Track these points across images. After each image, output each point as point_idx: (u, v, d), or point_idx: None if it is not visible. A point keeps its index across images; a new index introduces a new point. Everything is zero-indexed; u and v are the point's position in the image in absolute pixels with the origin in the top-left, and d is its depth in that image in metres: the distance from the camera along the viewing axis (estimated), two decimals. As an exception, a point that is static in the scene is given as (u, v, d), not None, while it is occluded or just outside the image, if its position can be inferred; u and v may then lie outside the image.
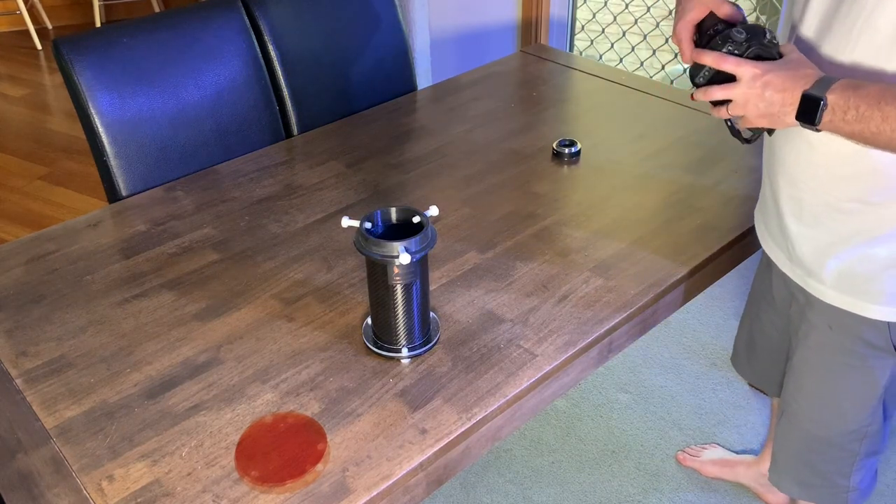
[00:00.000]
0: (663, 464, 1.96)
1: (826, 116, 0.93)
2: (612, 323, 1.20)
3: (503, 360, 1.13)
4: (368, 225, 1.07)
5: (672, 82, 3.17)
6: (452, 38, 2.93)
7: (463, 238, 1.39)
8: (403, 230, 1.09)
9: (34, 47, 4.31)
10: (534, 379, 1.11)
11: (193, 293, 1.27)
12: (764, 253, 1.33)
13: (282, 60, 1.83)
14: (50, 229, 1.45)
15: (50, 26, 4.57)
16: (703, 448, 1.96)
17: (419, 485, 1.02)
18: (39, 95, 3.87)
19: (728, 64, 0.99)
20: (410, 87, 2.05)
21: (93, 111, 1.57)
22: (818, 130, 0.95)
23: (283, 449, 0.99)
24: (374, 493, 0.95)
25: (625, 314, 1.22)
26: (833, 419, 1.23)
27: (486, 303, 1.24)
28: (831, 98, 0.92)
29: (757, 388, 2.11)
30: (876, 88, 0.90)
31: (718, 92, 1.01)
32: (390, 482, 0.97)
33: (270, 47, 1.81)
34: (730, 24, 1.05)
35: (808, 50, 1.03)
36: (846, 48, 0.98)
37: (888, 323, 1.10)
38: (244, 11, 1.78)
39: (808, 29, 1.04)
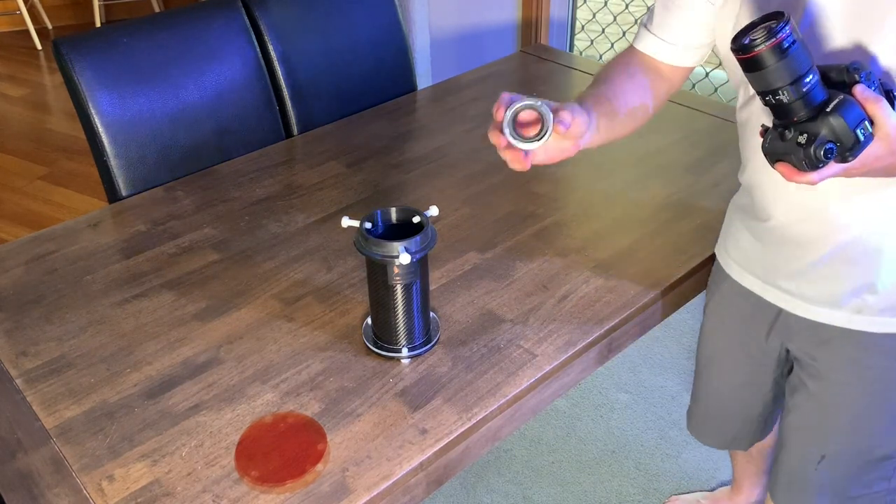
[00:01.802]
0: (663, 464, 1.96)
1: None
2: (612, 323, 1.20)
3: (503, 360, 1.13)
4: (368, 225, 1.07)
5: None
6: (452, 38, 2.93)
7: (463, 238, 1.39)
8: (403, 230, 1.09)
9: (34, 47, 4.31)
10: (534, 379, 1.11)
11: (193, 293, 1.27)
12: (739, 308, 1.23)
13: (282, 60, 1.83)
14: (50, 229, 1.45)
15: (50, 26, 4.57)
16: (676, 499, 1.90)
17: (419, 485, 1.02)
18: (39, 95, 3.87)
19: (882, 109, 0.82)
20: (410, 87, 2.05)
21: (93, 111, 1.57)
22: None
23: (283, 449, 0.99)
24: (374, 493, 0.95)
25: (625, 314, 1.22)
26: (893, 436, 1.17)
27: (486, 303, 1.24)
28: None
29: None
30: None
31: (867, 157, 0.84)
32: (390, 482, 0.97)
33: (270, 47, 1.81)
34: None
35: (827, 35, 0.94)
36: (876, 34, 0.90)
37: None
38: (244, 11, 1.78)
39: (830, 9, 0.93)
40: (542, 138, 0.90)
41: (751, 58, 0.82)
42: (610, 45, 3.23)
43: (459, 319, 1.21)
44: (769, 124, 0.88)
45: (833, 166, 0.85)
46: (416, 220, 1.09)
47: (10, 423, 1.05)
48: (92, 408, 1.07)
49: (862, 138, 0.83)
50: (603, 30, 3.20)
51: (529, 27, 2.83)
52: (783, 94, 0.83)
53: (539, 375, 1.11)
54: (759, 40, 0.81)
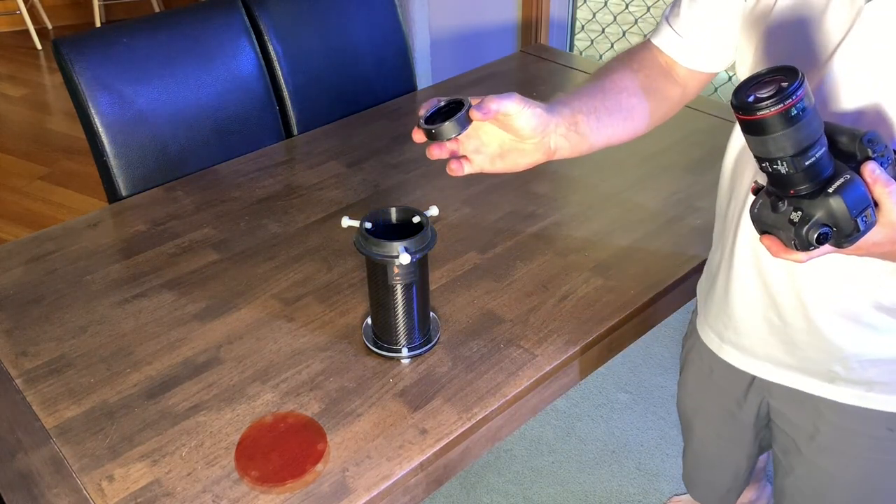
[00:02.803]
0: (663, 464, 1.96)
1: None
2: (612, 323, 1.20)
3: (503, 360, 1.13)
4: (368, 225, 1.07)
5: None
6: (452, 38, 2.93)
7: (463, 238, 1.39)
8: (403, 230, 1.09)
9: (34, 47, 4.31)
10: (534, 379, 1.11)
11: (193, 293, 1.27)
12: (717, 364, 1.15)
13: (282, 60, 1.83)
14: (50, 229, 1.45)
15: (50, 26, 4.57)
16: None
17: (419, 485, 1.02)
18: (39, 95, 3.87)
19: (891, 196, 0.72)
20: (410, 87, 2.05)
21: (93, 111, 1.57)
22: None
23: (283, 449, 0.99)
24: (374, 493, 0.95)
25: (625, 314, 1.22)
26: None
27: (486, 303, 1.24)
28: None
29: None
30: None
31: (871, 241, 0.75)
32: (390, 482, 0.97)
33: (271, 47, 1.81)
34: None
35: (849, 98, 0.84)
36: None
37: None
38: (244, 11, 1.78)
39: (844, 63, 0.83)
40: (451, 121, 0.81)
41: (753, 120, 0.71)
42: (610, 45, 3.23)
43: (459, 319, 1.21)
44: (763, 182, 0.78)
45: (825, 249, 0.75)
46: (416, 220, 1.09)
47: (10, 423, 1.05)
48: (92, 408, 1.07)
49: (862, 227, 0.73)
50: (603, 30, 3.20)
51: (529, 27, 2.83)
52: (783, 165, 0.72)
53: (539, 375, 1.11)
54: (765, 103, 0.69)
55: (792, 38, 0.88)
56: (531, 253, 1.35)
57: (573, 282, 1.28)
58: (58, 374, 1.12)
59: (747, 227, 0.96)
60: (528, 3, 2.78)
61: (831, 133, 0.74)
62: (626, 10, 3.22)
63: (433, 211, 1.09)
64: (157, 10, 4.51)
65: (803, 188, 0.73)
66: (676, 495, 1.88)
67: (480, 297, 1.25)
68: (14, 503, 0.95)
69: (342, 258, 1.35)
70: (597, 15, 3.21)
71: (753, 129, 0.72)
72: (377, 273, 1.07)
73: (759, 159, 0.74)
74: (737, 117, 0.72)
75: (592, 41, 3.23)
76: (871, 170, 0.73)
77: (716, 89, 2.88)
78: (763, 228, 0.77)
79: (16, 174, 3.17)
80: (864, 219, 0.72)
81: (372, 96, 1.96)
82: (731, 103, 0.72)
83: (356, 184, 1.57)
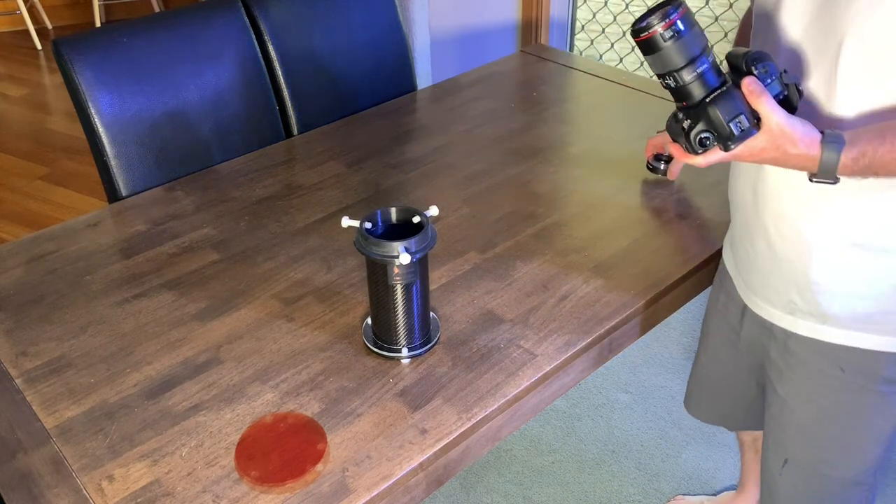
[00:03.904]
0: (663, 464, 1.96)
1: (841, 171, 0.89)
2: (612, 323, 1.20)
3: (503, 360, 1.13)
4: (368, 225, 1.07)
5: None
6: (452, 38, 2.93)
7: (463, 238, 1.39)
8: (403, 230, 1.09)
9: (34, 47, 4.31)
10: (534, 379, 1.11)
11: (193, 293, 1.27)
12: (722, 292, 1.26)
13: (282, 60, 1.83)
14: (50, 229, 1.45)
15: (50, 26, 4.57)
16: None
17: (419, 485, 1.02)
18: (39, 95, 3.87)
19: (765, 104, 0.87)
20: (410, 87, 2.05)
21: (93, 111, 1.57)
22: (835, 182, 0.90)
23: (283, 449, 0.99)
24: (374, 493, 0.95)
25: (625, 314, 1.22)
26: (852, 459, 1.17)
27: (486, 303, 1.24)
28: (845, 153, 0.88)
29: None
30: (874, 127, 0.88)
31: (743, 149, 0.89)
32: (390, 482, 0.97)
33: (270, 47, 1.81)
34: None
35: (792, 52, 0.97)
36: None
37: None
38: (244, 11, 1.78)
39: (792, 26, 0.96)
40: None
41: (644, 40, 0.85)
42: (610, 45, 3.23)
43: (459, 319, 1.21)
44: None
45: (717, 153, 0.89)
46: (416, 220, 1.09)
47: (10, 423, 1.05)
48: (92, 408, 1.07)
49: (737, 132, 0.86)
50: (603, 30, 3.20)
51: (529, 27, 2.83)
52: (672, 79, 0.86)
53: (539, 375, 1.11)
54: (653, 22, 0.84)
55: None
56: (531, 253, 1.35)
57: (573, 282, 1.28)
58: (58, 374, 1.12)
59: (739, 163, 1.09)
60: (528, 3, 2.78)
61: (734, 56, 0.89)
62: (626, 10, 3.22)
63: (433, 211, 1.09)
64: (157, 10, 4.51)
65: (693, 99, 0.87)
66: (679, 495, 1.88)
67: (480, 297, 1.25)
68: (14, 503, 0.95)
69: (342, 258, 1.35)
70: (597, 15, 3.21)
71: (648, 49, 0.86)
72: (377, 273, 1.07)
73: (660, 77, 0.89)
74: (636, 42, 0.86)
75: (592, 41, 3.23)
76: (746, 83, 0.86)
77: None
78: (673, 138, 0.92)
79: (16, 174, 3.17)
80: (738, 124, 0.85)
81: (372, 96, 1.96)
82: (630, 33, 0.87)
83: (356, 184, 1.57)
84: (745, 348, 1.26)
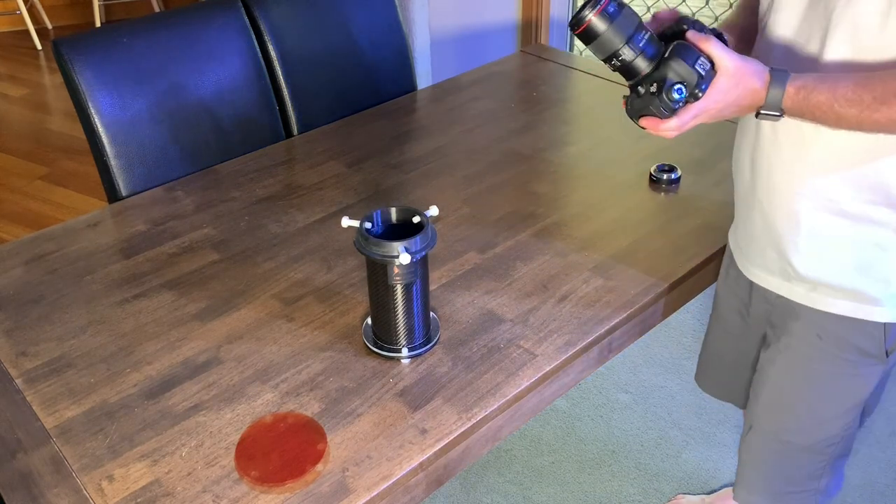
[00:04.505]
0: (663, 464, 1.96)
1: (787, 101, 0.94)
2: (612, 323, 1.20)
3: (503, 360, 1.13)
4: (368, 225, 1.07)
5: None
6: (452, 38, 2.93)
7: (463, 238, 1.39)
8: (403, 230, 1.09)
9: (34, 47, 4.31)
10: (534, 379, 1.11)
11: (193, 293, 1.27)
12: (732, 267, 1.28)
13: (282, 60, 1.83)
14: (50, 229, 1.45)
15: (50, 26, 4.57)
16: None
17: (419, 485, 1.02)
18: (39, 95, 3.87)
19: (714, 47, 0.92)
20: (410, 87, 2.05)
21: (93, 111, 1.57)
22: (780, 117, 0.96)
23: (283, 449, 0.99)
24: (374, 493, 0.95)
25: (625, 314, 1.22)
26: (815, 427, 1.20)
27: (486, 303, 1.24)
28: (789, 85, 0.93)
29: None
30: (819, 73, 0.94)
31: (710, 98, 0.94)
32: (390, 482, 0.97)
33: (270, 47, 1.81)
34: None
35: (783, 46, 1.02)
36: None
37: (884, 325, 1.09)
38: (244, 11, 1.78)
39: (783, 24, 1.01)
40: None
41: (583, 31, 0.91)
42: (610, 45, 3.23)
43: (459, 319, 1.21)
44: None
45: (690, 110, 0.93)
46: (416, 220, 1.09)
47: (10, 423, 1.05)
48: (92, 408, 1.07)
49: (703, 72, 0.91)
50: (603, 30, 3.20)
51: (529, 27, 2.83)
52: (623, 55, 0.91)
53: (539, 375, 1.11)
54: (586, 12, 0.90)
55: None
56: (531, 253, 1.35)
57: (573, 282, 1.28)
58: (58, 374, 1.12)
59: (742, 138, 1.14)
60: (528, 3, 2.78)
61: (663, 30, 0.96)
62: (626, 10, 3.22)
63: (433, 211, 1.09)
64: (157, 10, 4.51)
65: (647, 67, 0.92)
66: (680, 494, 1.88)
67: (480, 297, 1.25)
68: (14, 503, 0.95)
69: (342, 258, 1.35)
70: (597, 15, 3.21)
71: (589, 37, 0.91)
72: (377, 273, 1.07)
73: (608, 61, 0.93)
74: (577, 35, 0.92)
75: (592, 41, 3.23)
76: (690, 33, 0.93)
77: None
78: (639, 114, 0.95)
79: (16, 174, 3.17)
80: (701, 65, 0.91)
81: (372, 96, 1.96)
82: (569, 27, 0.93)
83: (356, 184, 1.57)
84: (754, 322, 1.28)
